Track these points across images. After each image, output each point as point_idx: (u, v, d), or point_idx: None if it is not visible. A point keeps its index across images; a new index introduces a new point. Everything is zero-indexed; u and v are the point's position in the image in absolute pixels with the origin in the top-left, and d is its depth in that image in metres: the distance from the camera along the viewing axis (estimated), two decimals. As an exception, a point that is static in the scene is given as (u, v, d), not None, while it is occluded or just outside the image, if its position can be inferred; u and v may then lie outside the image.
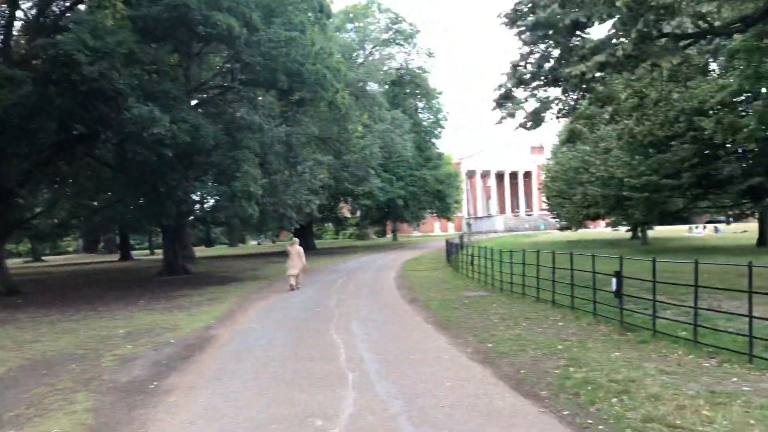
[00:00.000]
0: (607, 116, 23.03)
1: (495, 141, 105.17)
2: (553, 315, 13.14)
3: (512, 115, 20.00)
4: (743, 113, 23.42)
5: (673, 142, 28.95)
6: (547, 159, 59.91)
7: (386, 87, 57.94)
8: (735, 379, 7.19)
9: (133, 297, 21.73)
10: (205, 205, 25.66)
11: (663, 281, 10.81)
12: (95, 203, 31.00)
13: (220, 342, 11.84)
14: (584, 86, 19.45)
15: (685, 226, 63.28)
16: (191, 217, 26.20)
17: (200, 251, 71.95)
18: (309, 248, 54.32)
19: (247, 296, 20.65)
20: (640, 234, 45.81)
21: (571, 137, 23.39)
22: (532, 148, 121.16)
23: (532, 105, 20.70)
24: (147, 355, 10.73)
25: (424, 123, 62.97)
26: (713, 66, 27.92)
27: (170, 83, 22.21)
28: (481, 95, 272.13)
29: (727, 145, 32.65)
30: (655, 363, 8.23)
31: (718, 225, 63.99)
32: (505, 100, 21.84)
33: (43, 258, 73.67)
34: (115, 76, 18.03)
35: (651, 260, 10.76)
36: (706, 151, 31.26)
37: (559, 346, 9.70)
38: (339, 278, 25.95)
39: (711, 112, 25.48)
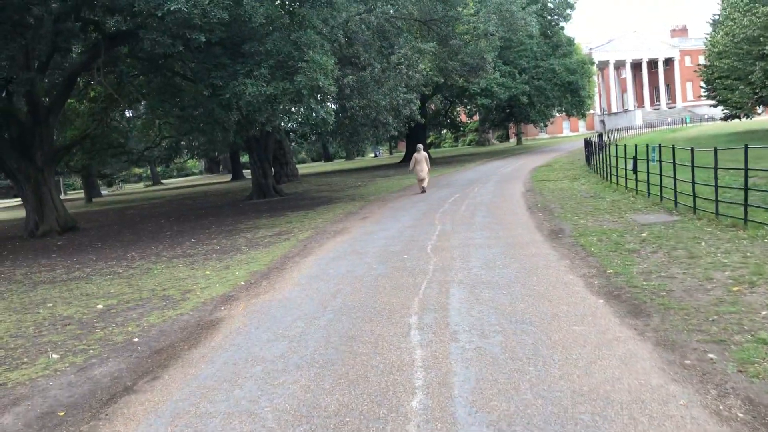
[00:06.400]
0: None
1: (629, 26, 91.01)
2: None
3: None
4: None
5: None
6: (706, 34, 48.52)
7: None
8: None
9: (196, 230, 17.69)
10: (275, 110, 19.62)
11: None
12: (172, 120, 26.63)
13: (206, 347, 6.54)
14: None
15: None
16: (269, 129, 20.92)
17: (314, 167, 68.56)
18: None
19: (326, 228, 15.60)
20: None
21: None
22: (672, 30, 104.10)
23: None
24: (49, 390, 5.76)
25: (550, 4, 52.99)
26: None
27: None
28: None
29: None
30: None
31: None
32: None
33: (163, 182, 74.03)
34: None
35: None
36: None
37: None
38: (450, 195, 20.32)
39: None
